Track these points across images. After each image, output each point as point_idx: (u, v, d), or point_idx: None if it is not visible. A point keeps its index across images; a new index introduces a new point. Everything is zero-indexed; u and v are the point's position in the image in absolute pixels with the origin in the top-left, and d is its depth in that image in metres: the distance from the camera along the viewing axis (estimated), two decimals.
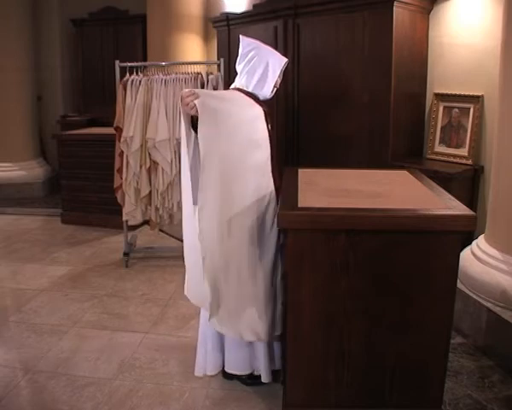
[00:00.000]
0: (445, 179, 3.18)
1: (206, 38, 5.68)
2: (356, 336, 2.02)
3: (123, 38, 6.52)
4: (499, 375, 2.54)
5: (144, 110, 3.86)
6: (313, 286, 1.98)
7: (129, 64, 3.96)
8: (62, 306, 3.42)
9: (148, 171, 3.94)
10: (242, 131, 2.25)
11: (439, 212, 1.94)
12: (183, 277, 3.82)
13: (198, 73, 3.91)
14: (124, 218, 4.10)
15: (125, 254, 4.13)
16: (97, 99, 6.55)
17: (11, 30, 6.06)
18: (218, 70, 4.02)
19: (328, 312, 2.01)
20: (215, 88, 3.85)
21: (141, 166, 3.91)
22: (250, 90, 2.35)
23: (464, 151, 3.57)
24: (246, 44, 2.36)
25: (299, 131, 4.19)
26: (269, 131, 2.36)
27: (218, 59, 4.19)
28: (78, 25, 6.78)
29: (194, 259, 2.31)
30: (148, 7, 5.54)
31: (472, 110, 3.52)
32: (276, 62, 2.36)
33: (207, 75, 3.93)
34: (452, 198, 2.14)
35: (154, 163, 3.92)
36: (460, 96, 3.59)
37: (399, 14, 3.50)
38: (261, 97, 2.39)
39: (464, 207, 2.02)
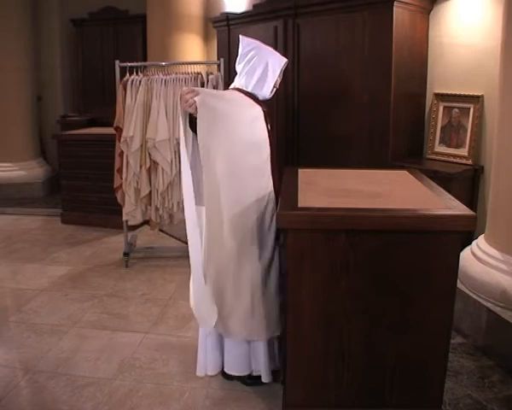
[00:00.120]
0: (445, 179, 3.18)
1: (206, 38, 5.69)
2: (356, 336, 2.02)
3: (123, 38, 6.52)
4: (499, 375, 2.54)
5: (144, 110, 3.86)
6: (313, 286, 1.98)
7: (129, 64, 3.96)
8: (62, 306, 3.42)
9: (148, 171, 3.94)
10: (242, 131, 2.25)
11: (439, 212, 1.94)
12: (183, 277, 3.85)
13: (198, 73, 3.91)
14: (124, 218, 4.10)
15: (125, 254, 4.13)
16: (97, 99, 6.55)
17: (11, 30, 6.06)
18: (218, 70, 4.02)
19: (328, 312, 2.01)
20: (215, 88, 3.85)
21: (141, 166, 3.91)
22: (249, 90, 2.35)
23: (464, 151, 3.57)
24: (246, 44, 2.36)
25: (299, 131, 4.19)
26: (268, 131, 2.36)
27: (218, 59, 4.19)
28: (78, 25, 6.78)
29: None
30: (148, 7, 5.54)
31: (472, 110, 3.52)
32: (275, 62, 2.36)
33: (207, 75, 3.93)
34: (452, 198, 2.14)
35: (154, 163, 3.92)
36: (460, 96, 3.59)
37: (399, 14, 3.50)
38: (261, 97, 2.39)
39: (464, 207, 2.02)
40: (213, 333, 2.41)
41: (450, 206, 2.01)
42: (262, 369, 2.40)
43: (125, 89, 3.89)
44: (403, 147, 3.74)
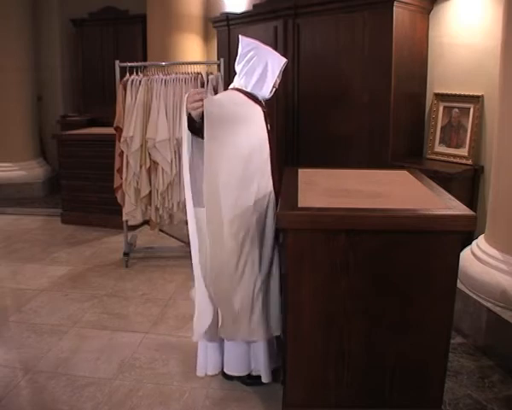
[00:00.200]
0: (445, 179, 3.17)
1: (206, 38, 5.68)
2: (356, 336, 2.02)
3: (123, 38, 6.52)
4: (499, 375, 2.54)
5: (144, 110, 3.86)
6: (313, 286, 1.98)
7: (129, 64, 3.96)
8: (62, 306, 3.42)
9: (148, 171, 3.94)
10: (243, 133, 2.25)
11: (439, 212, 1.94)
12: (183, 277, 3.85)
13: (198, 73, 3.91)
14: (124, 218, 4.10)
15: (125, 254, 4.13)
16: (97, 99, 6.55)
17: (11, 30, 6.06)
18: (218, 70, 4.02)
19: (328, 312, 2.01)
20: (215, 88, 3.85)
21: (141, 166, 3.91)
22: (249, 90, 2.35)
23: (464, 151, 3.57)
24: (245, 44, 2.36)
25: (299, 131, 4.19)
26: (268, 131, 2.36)
27: (218, 59, 4.19)
28: (78, 25, 6.78)
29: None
30: (148, 7, 5.54)
31: (472, 110, 3.52)
32: (275, 62, 2.36)
33: (207, 75, 3.93)
34: (452, 198, 2.14)
35: (154, 163, 3.92)
36: (460, 96, 3.59)
37: (399, 14, 3.49)
38: (260, 97, 2.39)
39: (464, 207, 2.02)
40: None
41: (450, 206, 2.01)
42: (262, 369, 2.40)
43: (125, 89, 3.89)
44: (403, 147, 3.74)
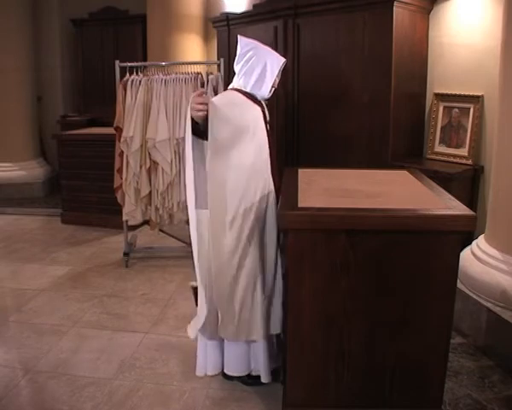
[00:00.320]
0: (445, 179, 3.18)
1: (206, 38, 5.69)
2: (356, 336, 2.02)
3: (123, 38, 6.52)
4: (499, 375, 2.54)
5: (144, 110, 3.86)
6: (313, 286, 1.98)
7: (129, 64, 3.96)
8: (62, 306, 3.42)
9: (148, 171, 3.94)
10: (248, 139, 2.25)
11: (439, 212, 1.94)
12: (183, 277, 3.85)
13: (198, 73, 3.91)
14: (124, 218, 4.10)
15: (125, 254, 4.13)
16: (97, 99, 6.55)
17: (11, 30, 6.06)
18: (218, 70, 4.02)
19: (328, 312, 2.00)
20: (215, 88, 3.85)
21: (141, 167, 3.91)
22: (248, 90, 2.35)
23: (464, 151, 3.57)
24: (244, 44, 2.36)
25: (299, 131, 4.19)
26: (267, 131, 2.36)
27: (218, 59, 4.19)
28: (78, 25, 6.78)
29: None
30: (148, 7, 5.55)
31: (472, 110, 3.52)
32: (274, 62, 2.36)
33: (207, 75, 3.93)
34: (452, 198, 2.14)
35: (154, 163, 3.92)
36: (460, 96, 3.59)
37: (399, 14, 3.50)
38: (259, 97, 2.39)
39: (464, 207, 2.02)
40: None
41: (450, 206, 2.01)
42: (261, 369, 2.40)
43: (125, 89, 3.89)
44: (403, 147, 3.74)
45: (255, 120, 2.31)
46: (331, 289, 1.98)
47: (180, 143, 3.86)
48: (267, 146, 2.33)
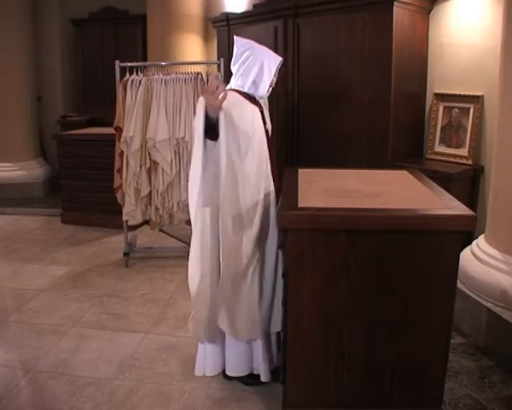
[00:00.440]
0: (445, 179, 3.18)
1: (206, 38, 5.69)
2: (356, 336, 2.02)
3: (123, 38, 6.52)
4: (499, 375, 2.54)
5: (144, 110, 3.86)
6: (313, 286, 1.98)
7: (129, 64, 3.95)
8: (62, 306, 3.42)
9: (148, 171, 3.94)
10: (246, 132, 2.25)
11: (439, 212, 1.94)
12: (183, 277, 3.85)
13: (198, 73, 3.91)
14: (124, 218, 4.10)
15: (125, 254, 4.13)
16: (97, 99, 6.55)
17: (11, 30, 6.05)
18: (218, 70, 4.02)
19: (328, 312, 2.00)
20: None
21: (141, 167, 3.91)
22: (246, 90, 2.35)
23: (464, 151, 3.57)
24: (240, 45, 2.36)
25: (299, 131, 4.19)
26: (266, 130, 2.37)
27: (218, 59, 4.19)
28: (78, 25, 6.78)
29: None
30: (148, 7, 5.54)
31: (472, 110, 3.52)
32: (271, 62, 2.36)
33: (207, 75, 3.93)
34: (452, 198, 2.14)
35: (154, 163, 3.92)
36: (460, 96, 3.59)
37: (399, 14, 3.50)
38: (257, 97, 2.39)
39: (464, 207, 2.02)
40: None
41: (450, 206, 2.01)
42: (261, 368, 2.40)
43: (124, 89, 3.89)
44: (403, 147, 3.74)
45: (254, 121, 2.31)
46: (331, 289, 1.98)
47: (180, 143, 3.87)
48: (266, 146, 2.33)
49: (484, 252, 2.88)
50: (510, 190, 2.72)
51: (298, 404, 2.12)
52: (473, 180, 3.52)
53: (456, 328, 2.82)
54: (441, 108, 3.74)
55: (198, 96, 3.84)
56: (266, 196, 2.29)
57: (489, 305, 2.72)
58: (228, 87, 2.44)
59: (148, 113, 3.85)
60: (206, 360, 2.46)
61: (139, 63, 4.09)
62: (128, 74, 3.91)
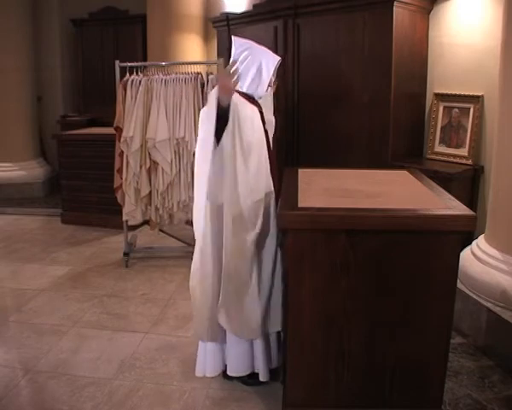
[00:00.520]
0: (445, 179, 3.18)
1: (206, 38, 5.69)
2: (356, 336, 2.02)
3: (123, 38, 6.52)
4: (499, 375, 2.54)
5: (144, 110, 3.86)
6: (313, 286, 1.98)
7: (129, 64, 3.95)
8: (62, 306, 3.42)
9: (148, 171, 3.94)
10: (247, 133, 2.25)
11: (439, 212, 1.94)
12: (183, 277, 3.85)
13: (198, 73, 3.91)
14: (124, 218, 4.10)
15: (125, 254, 4.13)
16: (97, 99, 6.55)
17: (11, 30, 6.05)
18: (218, 70, 4.02)
19: (328, 312, 2.01)
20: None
21: (141, 167, 3.91)
22: (244, 90, 2.35)
23: (464, 151, 3.57)
24: (238, 45, 2.36)
25: (299, 131, 4.19)
26: (265, 130, 2.37)
27: (218, 59, 4.19)
28: (78, 25, 6.78)
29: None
30: (148, 7, 5.54)
31: (472, 110, 3.52)
32: (269, 61, 2.36)
33: (207, 75, 3.93)
34: (452, 198, 2.14)
35: (154, 163, 3.92)
36: (460, 96, 3.59)
37: (399, 14, 3.50)
38: (256, 97, 2.39)
39: (464, 207, 2.02)
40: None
41: (450, 206, 2.01)
42: (260, 368, 2.40)
43: (125, 89, 3.89)
44: (403, 147, 3.74)
45: (254, 121, 2.31)
46: (331, 289, 1.98)
47: (180, 143, 3.86)
48: (266, 147, 2.33)
49: (484, 252, 2.88)
50: (510, 190, 2.72)
51: (298, 404, 2.12)
52: (473, 180, 3.52)
53: (456, 328, 2.82)
54: (441, 108, 3.74)
55: (198, 96, 3.86)
56: (266, 196, 2.29)
57: (489, 305, 2.72)
58: None
59: (148, 113, 3.85)
60: (207, 361, 2.45)
61: (139, 63, 4.09)
62: (128, 74, 3.91)
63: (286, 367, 2.12)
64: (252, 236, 2.23)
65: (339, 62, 3.84)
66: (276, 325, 2.40)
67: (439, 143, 3.75)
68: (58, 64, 7.01)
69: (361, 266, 1.96)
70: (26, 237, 4.92)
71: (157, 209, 4.06)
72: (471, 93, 3.52)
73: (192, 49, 5.50)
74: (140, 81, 3.87)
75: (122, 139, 3.87)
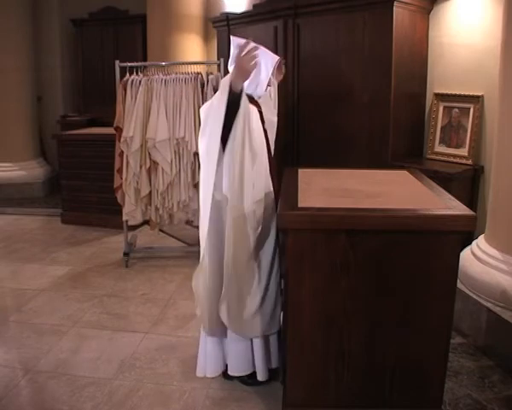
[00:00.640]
0: (445, 179, 3.18)
1: (206, 38, 5.69)
2: (356, 336, 2.02)
3: (123, 38, 6.52)
4: (499, 375, 2.54)
5: (144, 110, 3.86)
6: (313, 286, 1.98)
7: (129, 64, 3.96)
8: (62, 306, 3.42)
9: (148, 171, 3.94)
10: (254, 128, 2.26)
11: (439, 212, 1.94)
12: (183, 277, 3.85)
13: (198, 73, 3.91)
14: (124, 218, 4.10)
15: (125, 254, 4.13)
16: (97, 99, 6.55)
17: (11, 30, 6.05)
18: (218, 70, 4.02)
19: (328, 312, 2.01)
20: (215, 88, 3.85)
21: (141, 167, 3.91)
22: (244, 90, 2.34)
23: (464, 151, 3.57)
24: (237, 45, 2.36)
25: (299, 131, 4.19)
26: (265, 130, 2.37)
27: (218, 59, 4.19)
28: (78, 25, 6.79)
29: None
30: (148, 7, 5.54)
31: (472, 110, 3.52)
32: (268, 61, 2.36)
33: (207, 75, 3.93)
34: (452, 198, 2.14)
35: (154, 163, 3.92)
36: (460, 96, 3.59)
37: (399, 14, 3.50)
38: (255, 97, 2.39)
39: (464, 207, 2.02)
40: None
41: (450, 206, 2.01)
42: (258, 367, 2.40)
43: (125, 89, 3.89)
44: (403, 147, 3.74)
45: (253, 121, 2.31)
46: (331, 289, 1.98)
47: (180, 143, 3.86)
48: (265, 147, 2.33)
49: (484, 252, 2.88)
50: (510, 190, 2.73)
51: (298, 404, 2.12)
52: (473, 180, 3.52)
53: (456, 328, 2.83)
54: (441, 108, 3.74)
55: (198, 96, 3.86)
56: (266, 196, 2.29)
57: (489, 305, 2.72)
58: None
59: (148, 113, 3.85)
60: (207, 361, 2.46)
61: (139, 63, 4.09)
62: (128, 74, 3.91)
63: (286, 367, 2.12)
64: (253, 235, 2.23)
65: (339, 62, 3.84)
66: (275, 324, 2.40)
67: (439, 143, 3.75)
68: (58, 64, 7.01)
69: (361, 266, 1.96)
70: (26, 237, 4.92)
71: (157, 209, 4.05)
72: (471, 93, 3.52)
73: (192, 49, 5.50)
74: (140, 81, 3.87)
75: (122, 139, 3.87)
